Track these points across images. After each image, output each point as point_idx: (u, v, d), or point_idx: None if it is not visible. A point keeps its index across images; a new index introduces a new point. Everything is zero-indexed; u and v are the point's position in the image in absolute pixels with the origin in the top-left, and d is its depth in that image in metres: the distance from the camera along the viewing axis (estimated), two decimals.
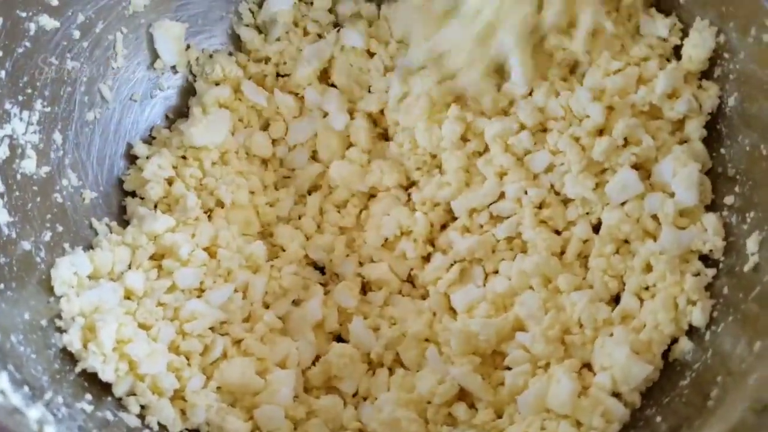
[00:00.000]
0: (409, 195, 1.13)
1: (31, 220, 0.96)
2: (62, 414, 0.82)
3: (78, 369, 0.90)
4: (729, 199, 0.97)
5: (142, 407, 0.93)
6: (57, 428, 0.77)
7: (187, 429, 0.95)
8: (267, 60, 1.18)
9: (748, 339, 0.86)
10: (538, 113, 1.05)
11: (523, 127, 1.06)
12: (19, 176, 0.96)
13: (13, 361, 0.81)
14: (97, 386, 0.91)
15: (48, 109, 1.00)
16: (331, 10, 1.20)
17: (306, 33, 1.19)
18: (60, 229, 1.00)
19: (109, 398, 0.91)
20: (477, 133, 1.08)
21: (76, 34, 1.03)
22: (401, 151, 1.13)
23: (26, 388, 0.80)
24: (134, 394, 0.92)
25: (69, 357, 0.91)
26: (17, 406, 0.76)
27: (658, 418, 0.89)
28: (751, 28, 0.94)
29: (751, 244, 0.91)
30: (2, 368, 0.79)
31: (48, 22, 0.99)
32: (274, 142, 1.18)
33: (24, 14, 0.96)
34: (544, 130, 1.06)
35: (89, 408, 0.87)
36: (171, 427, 0.93)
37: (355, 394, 1.04)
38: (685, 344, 0.93)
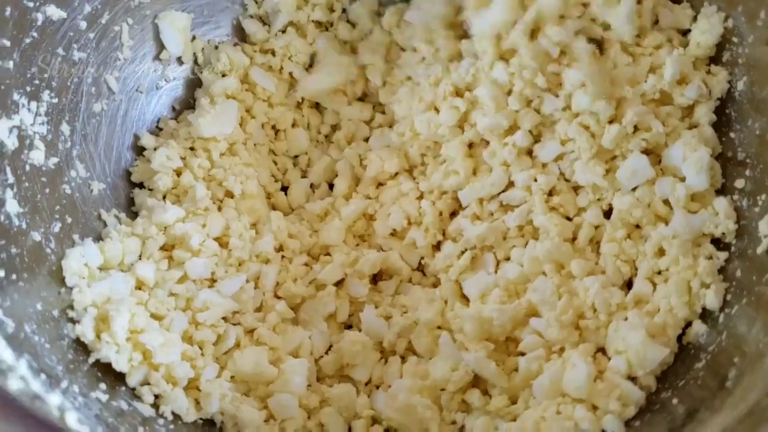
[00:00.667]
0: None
1: (40, 211, 0.96)
2: (79, 402, 0.82)
3: (91, 359, 0.90)
4: (740, 183, 0.97)
5: (156, 397, 0.92)
6: (77, 415, 0.76)
7: (201, 418, 0.94)
8: (273, 52, 1.18)
9: (763, 321, 0.86)
10: (534, 115, 1.05)
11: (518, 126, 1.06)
12: (28, 167, 0.95)
13: (29, 350, 0.81)
14: (111, 376, 0.91)
15: (55, 100, 1.00)
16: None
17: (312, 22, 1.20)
18: (69, 220, 0.99)
19: (123, 388, 0.91)
20: (472, 123, 1.08)
21: (83, 24, 1.02)
22: (403, 140, 1.13)
23: (44, 376, 0.79)
24: (148, 384, 0.92)
25: (82, 347, 0.90)
26: (37, 392, 0.76)
27: (675, 401, 0.89)
28: (760, 12, 0.95)
29: (764, 226, 0.91)
30: (20, 356, 0.78)
31: (55, 12, 0.98)
32: (278, 133, 1.18)
33: (31, 4, 0.96)
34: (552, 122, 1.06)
35: (104, 397, 0.87)
36: (185, 417, 0.93)
37: (367, 383, 1.03)
38: (699, 327, 0.93)
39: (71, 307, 0.92)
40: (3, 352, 0.76)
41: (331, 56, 1.18)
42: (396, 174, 1.13)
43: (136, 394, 0.91)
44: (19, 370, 0.76)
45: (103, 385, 0.88)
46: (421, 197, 1.11)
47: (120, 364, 0.90)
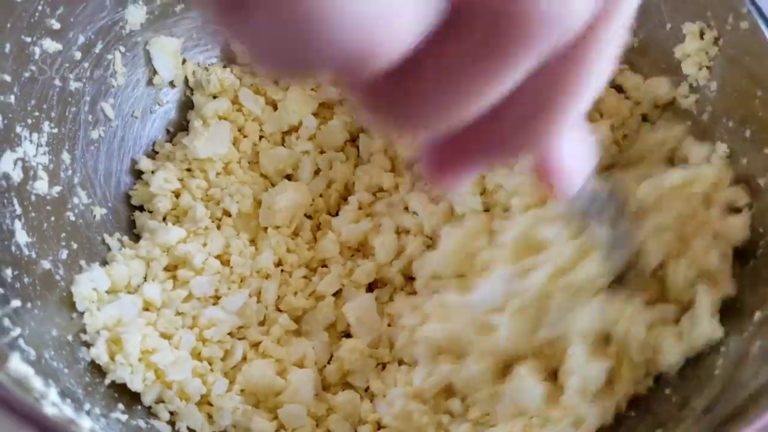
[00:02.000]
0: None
1: (48, 239, 0.98)
2: (102, 424, 0.85)
3: (107, 381, 0.93)
4: None
5: (171, 413, 0.96)
6: None
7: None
8: None
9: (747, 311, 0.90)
10: None
11: None
12: (33, 197, 0.98)
13: (51, 376, 0.84)
14: (127, 396, 0.94)
15: (55, 131, 1.03)
16: None
17: None
18: (75, 246, 1.02)
19: (140, 407, 0.94)
20: None
21: (78, 55, 1.05)
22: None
23: (69, 400, 0.82)
24: (163, 402, 0.95)
25: (97, 370, 0.93)
26: (71, 417, 0.79)
27: (667, 390, 0.94)
28: (729, 16, 1.00)
29: None
30: (47, 382, 0.81)
31: (51, 45, 1.01)
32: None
33: (29, 39, 0.98)
34: None
35: (123, 417, 0.90)
36: (200, 431, 0.96)
37: (367, 389, 1.07)
38: None
39: (84, 331, 0.96)
40: (33, 381, 0.79)
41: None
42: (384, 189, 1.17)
43: (152, 412, 0.95)
44: (50, 397, 0.79)
45: (120, 405, 0.91)
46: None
47: (135, 384, 0.94)
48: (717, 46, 1.02)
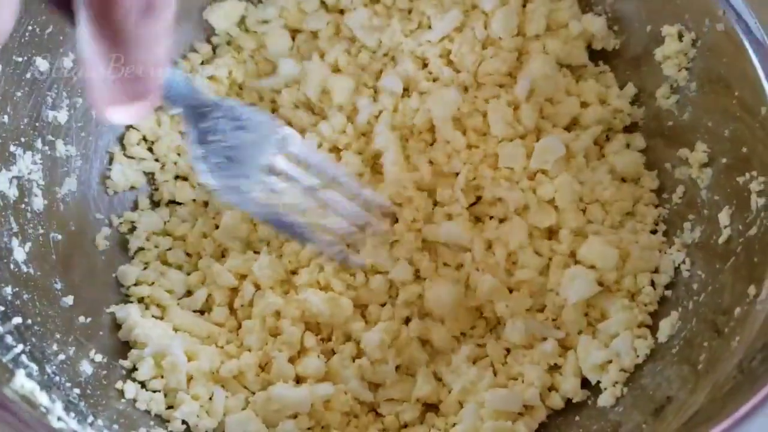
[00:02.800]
0: None
1: (44, 255, 1.00)
2: None
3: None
4: None
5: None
6: None
7: None
8: None
9: (727, 306, 0.93)
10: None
11: None
12: (29, 214, 0.99)
13: (54, 391, 0.86)
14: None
15: (47, 148, 1.04)
16: None
17: None
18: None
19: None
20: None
21: (66, 72, 1.06)
22: None
23: (73, 414, 0.84)
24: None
25: (98, 383, 0.95)
26: (76, 429, 0.81)
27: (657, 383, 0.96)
28: (705, 18, 1.02)
29: (723, 217, 0.99)
30: (51, 396, 0.83)
31: (41, 63, 1.02)
32: None
33: (20, 59, 1.00)
34: None
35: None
36: None
37: None
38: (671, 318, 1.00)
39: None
40: (39, 397, 0.81)
41: None
42: None
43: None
44: (56, 411, 0.81)
45: (123, 420, 0.93)
46: None
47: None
48: (695, 47, 1.05)
